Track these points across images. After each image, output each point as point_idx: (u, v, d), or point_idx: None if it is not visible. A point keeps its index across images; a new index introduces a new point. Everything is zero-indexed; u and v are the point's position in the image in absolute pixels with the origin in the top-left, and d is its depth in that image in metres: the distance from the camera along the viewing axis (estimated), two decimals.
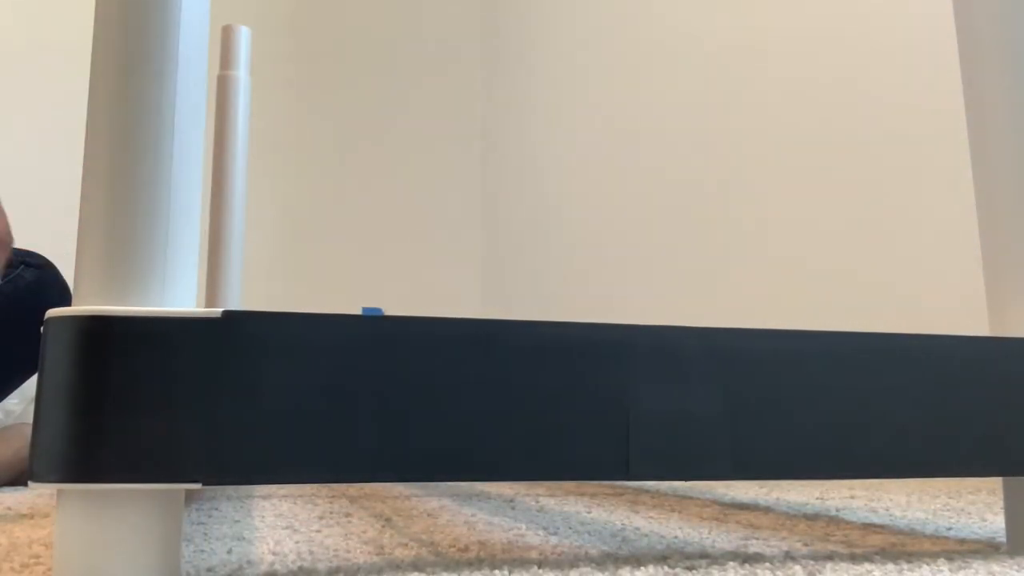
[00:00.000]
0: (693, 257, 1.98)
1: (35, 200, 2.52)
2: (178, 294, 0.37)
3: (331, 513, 0.70)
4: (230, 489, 0.92)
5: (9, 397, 1.19)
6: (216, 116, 1.19)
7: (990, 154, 0.51)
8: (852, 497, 0.86)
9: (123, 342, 0.35)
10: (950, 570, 0.42)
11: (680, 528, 0.61)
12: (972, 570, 0.42)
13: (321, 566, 0.43)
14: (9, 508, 0.78)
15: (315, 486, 0.98)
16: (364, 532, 0.58)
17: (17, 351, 1.07)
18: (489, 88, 3.12)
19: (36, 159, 2.58)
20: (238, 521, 0.65)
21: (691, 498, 0.84)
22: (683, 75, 2.07)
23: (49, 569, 0.44)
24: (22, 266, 1.09)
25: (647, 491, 0.92)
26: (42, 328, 0.37)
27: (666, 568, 0.42)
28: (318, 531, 0.59)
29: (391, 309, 2.88)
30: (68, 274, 1.01)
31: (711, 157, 1.95)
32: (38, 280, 1.08)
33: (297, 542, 0.53)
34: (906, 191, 1.49)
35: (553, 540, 0.54)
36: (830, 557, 0.46)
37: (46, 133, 2.57)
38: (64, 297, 1.10)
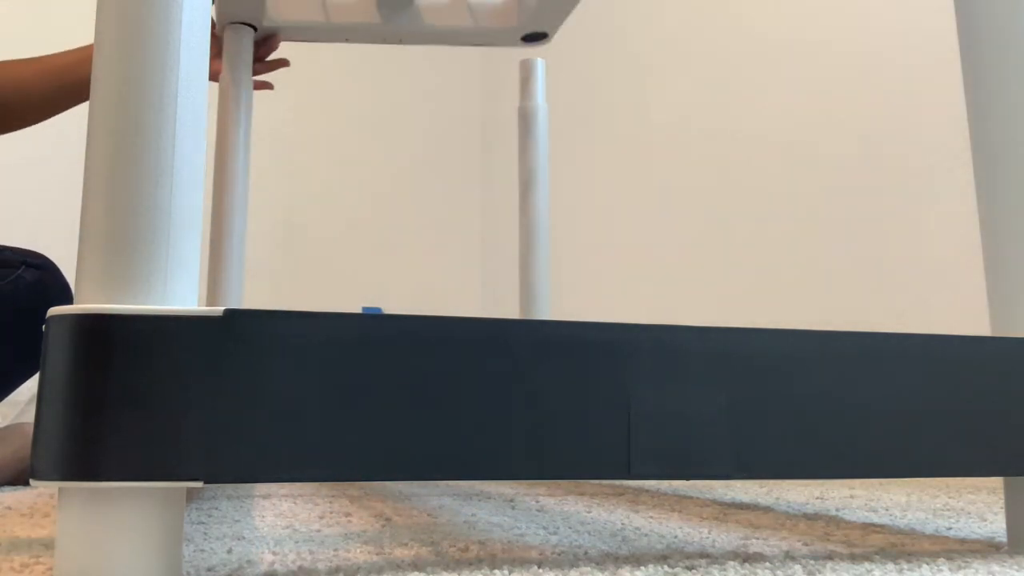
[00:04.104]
0: (694, 257, 1.98)
1: (36, 199, 2.52)
2: (180, 293, 0.37)
3: (331, 512, 0.70)
4: (230, 488, 0.92)
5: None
6: (218, 115, 1.19)
7: (992, 154, 0.51)
8: (852, 497, 0.86)
9: (125, 341, 0.35)
10: (950, 570, 0.42)
11: (680, 528, 0.61)
12: (972, 570, 0.42)
13: (321, 566, 0.43)
14: (9, 508, 0.78)
15: (315, 485, 0.98)
16: (364, 532, 0.58)
17: (19, 351, 1.07)
18: (489, 87, 3.12)
19: (38, 157, 2.57)
20: (238, 521, 0.65)
21: (691, 497, 0.84)
22: (684, 75, 2.07)
23: (49, 568, 0.44)
24: (23, 266, 1.09)
25: (647, 491, 0.92)
26: (44, 327, 0.37)
27: (666, 568, 0.42)
28: (318, 531, 0.59)
29: (391, 309, 2.88)
30: (70, 273, 1.02)
31: (710, 156, 1.95)
32: (39, 280, 1.09)
33: (297, 542, 0.53)
34: (907, 191, 1.49)
35: (553, 540, 0.54)
36: (830, 557, 0.46)
37: (48, 131, 2.57)
38: (65, 297, 1.10)
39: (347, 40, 1.17)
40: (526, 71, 1.33)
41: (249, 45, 1.16)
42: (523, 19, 1.17)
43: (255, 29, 1.15)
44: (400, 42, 1.17)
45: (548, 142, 1.28)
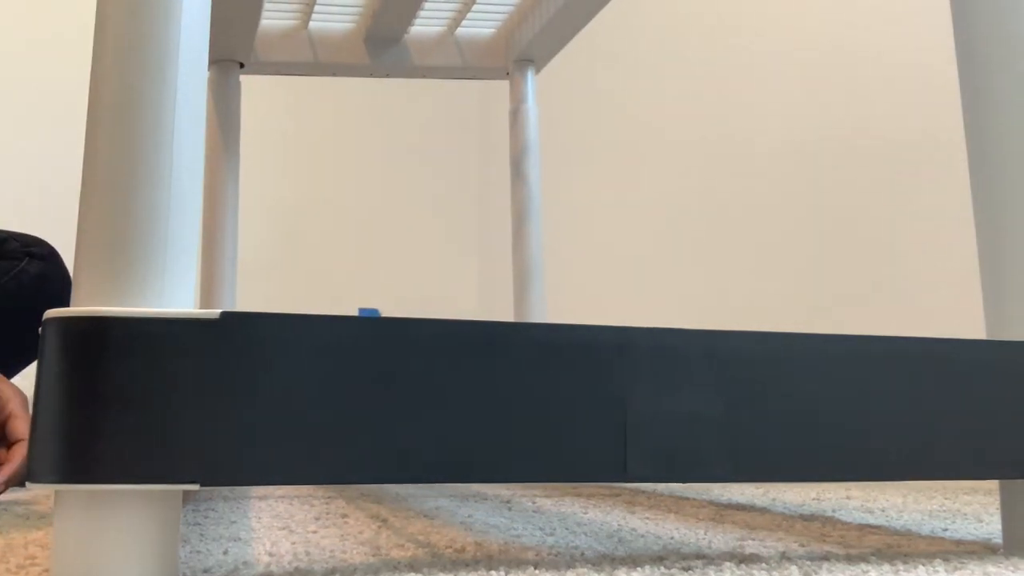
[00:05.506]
0: (690, 259, 1.98)
1: (35, 199, 2.51)
2: (177, 295, 0.37)
3: (327, 514, 0.70)
4: (226, 490, 0.91)
5: None
6: (212, 114, 1.20)
7: (988, 155, 0.51)
8: (848, 498, 0.86)
9: (121, 343, 0.35)
10: (946, 571, 0.42)
11: (676, 529, 0.61)
12: (968, 571, 0.42)
13: (317, 567, 0.43)
14: (6, 508, 0.78)
15: (311, 487, 0.98)
16: (360, 533, 0.58)
17: (23, 346, 1.07)
18: (487, 88, 3.12)
19: (37, 158, 2.57)
20: (234, 522, 0.65)
21: (688, 498, 0.84)
22: (682, 74, 2.07)
23: (46, 570, 0.44)
24: (27, 258, 1.08)
25: (644, 492, 0.93)
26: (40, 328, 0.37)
27: (662, 569, 0.42)
28: (314, 532, 0.59)
29: (388, 310, 2.88)
30: (70, 265, 1.02)
31: (710, 157, 1.95)
32: (43, 274, 1.08)
33: (293, 543, 0.53)
34: (905, 193, 1.49)
35: (550, 541, 0.54)
36: (826, 558, 0.46)
37: (47, 131, 2.57)
38: (68, 290, 1.10)
39: (334, 75, 1.19)
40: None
41: (236, 81, 1.18)
42: (512, 55, 1.19)
43: (242, 65, 1.17)
44: (387, 75, 1.18)
45: (539, 144, 1.28)
